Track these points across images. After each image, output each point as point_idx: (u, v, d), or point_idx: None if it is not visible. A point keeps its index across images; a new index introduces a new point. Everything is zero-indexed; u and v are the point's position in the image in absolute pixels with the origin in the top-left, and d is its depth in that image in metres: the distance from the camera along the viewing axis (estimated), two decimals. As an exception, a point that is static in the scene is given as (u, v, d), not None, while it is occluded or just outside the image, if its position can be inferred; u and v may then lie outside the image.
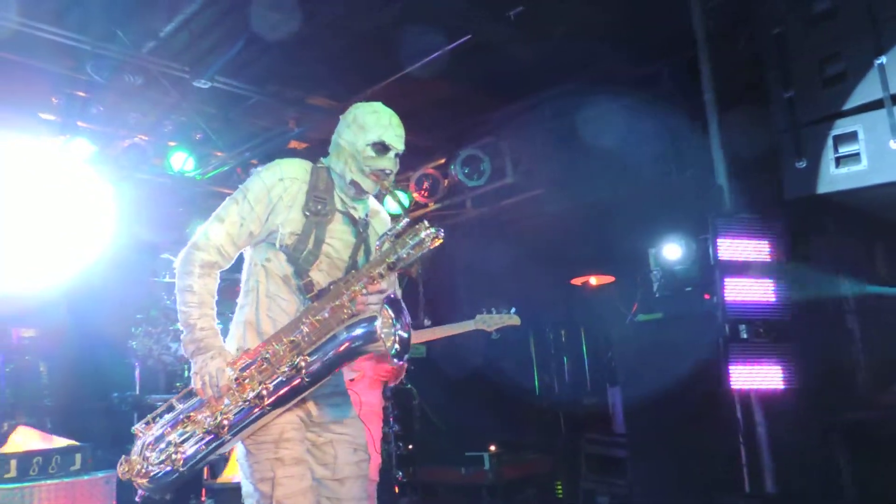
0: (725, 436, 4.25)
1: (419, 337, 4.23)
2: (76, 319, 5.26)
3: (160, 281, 5.39)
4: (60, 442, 4.23)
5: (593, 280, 6.83)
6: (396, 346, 2.17)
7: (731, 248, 4.07)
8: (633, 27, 4.65)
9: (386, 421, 5.27)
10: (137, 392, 5.23)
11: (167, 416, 2.21)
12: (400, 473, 5.24)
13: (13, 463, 3.87)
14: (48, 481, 3.88)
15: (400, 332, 2.18)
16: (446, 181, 6.40)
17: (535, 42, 4.74)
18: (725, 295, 4.00)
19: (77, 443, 4.23)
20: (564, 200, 6.22)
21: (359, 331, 2.14)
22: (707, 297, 4.45)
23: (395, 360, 2.21)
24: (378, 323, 2.13)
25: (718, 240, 4.07)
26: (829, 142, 3.66)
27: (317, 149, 6.02)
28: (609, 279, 6.78)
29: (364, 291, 2.19)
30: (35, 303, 5.00)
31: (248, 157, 6.09)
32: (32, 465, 3.93)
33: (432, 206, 6.60)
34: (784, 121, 3.86)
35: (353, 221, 2.36)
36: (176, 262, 2.27)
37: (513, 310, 4.03)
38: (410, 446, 5.69)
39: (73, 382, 5.24)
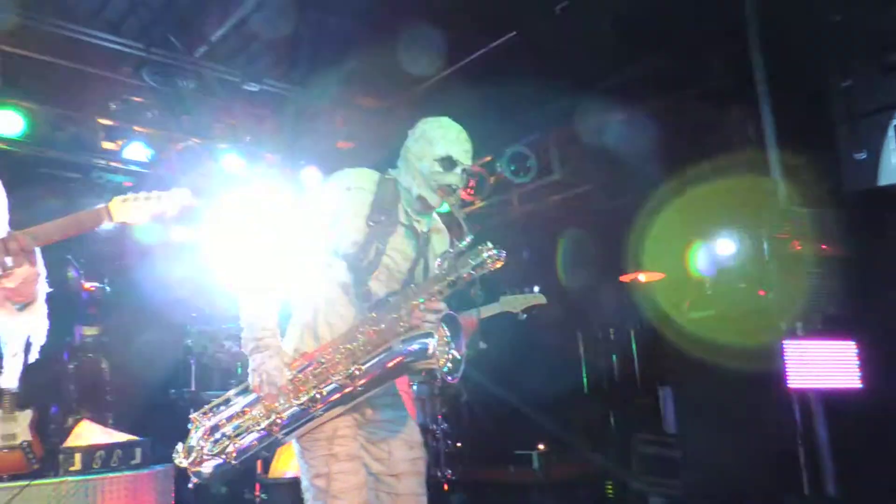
0: (782, 436, 4.14)
1: None
2: (136, 318, 5.42)
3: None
4: (121, 436, 4.37)
5: (643, 277, 6.72)
6: (449, 364, 2.16)
7: (788, 242, 3.96)
8: (681, 19, 4.56)
9: (434, 418, 5.30)
10: (193, 388, 5.36)
11: (224, 409, 2.25)
12: (448, 471, 5.25)
13: (77, 456, 4.02)
14: (110, 474, 4.02)
15: (454, 352, 2.17)
16: (493, 178, 6.35)
17: (582, 37, 4.69)
18: (781, 291, 3.90)
19: (137, 437, 4.37)
20: (612, 196, 6.15)
21: (414, 346, 2.13)
22: (762, 293, 4.34)
23: (448, 379, 2.21)
24: (433, 340, 2.12)
25: (774, 234, 3.97)
26: (891, 132, 3.55)
27: (364, 148, 6.10)
28: (659, 276, 6.65)
29: (422, 307, 2.19)
30: (97, 302, 5.18)
31: (297, 158, 6.19)
32: (95, 459, 4.07)
33: (479, 204, 6.58)
34: (842, 111, 3.76)
35: (415, 235, 2.37)
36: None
37: (536, 288, 3.94)
38: (459, 444, 5.70)
39: (133, 379, 5.39)
